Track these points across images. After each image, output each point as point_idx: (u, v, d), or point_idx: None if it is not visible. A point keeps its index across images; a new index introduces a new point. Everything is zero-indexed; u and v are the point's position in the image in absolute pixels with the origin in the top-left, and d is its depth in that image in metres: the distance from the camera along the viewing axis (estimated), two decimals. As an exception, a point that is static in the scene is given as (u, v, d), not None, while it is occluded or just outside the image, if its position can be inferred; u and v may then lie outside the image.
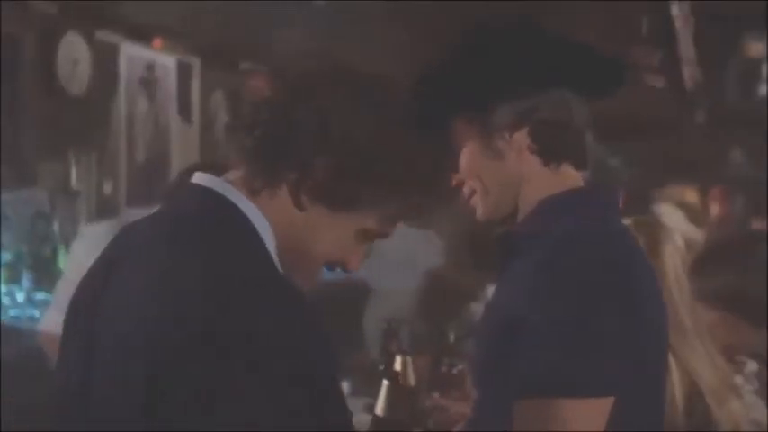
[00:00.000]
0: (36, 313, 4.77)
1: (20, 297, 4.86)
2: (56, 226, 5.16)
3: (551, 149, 1.67)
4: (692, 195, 8.35)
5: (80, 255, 3.44)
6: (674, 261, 1.91)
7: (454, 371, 3.29)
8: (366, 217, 1.45)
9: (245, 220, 1.41)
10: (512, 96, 1.64)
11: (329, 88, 1.43)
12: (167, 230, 1.42)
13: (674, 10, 6.77)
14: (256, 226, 1.41)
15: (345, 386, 3.04)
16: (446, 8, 4.74)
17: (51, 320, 3.38)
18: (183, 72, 6.40)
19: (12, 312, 4.75)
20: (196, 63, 6.51)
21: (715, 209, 10.00)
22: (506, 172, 1.69)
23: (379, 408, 1.83)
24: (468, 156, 1.71)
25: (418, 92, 1.66)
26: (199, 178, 1.45)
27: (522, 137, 1.67)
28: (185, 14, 5.92)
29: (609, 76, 1.73)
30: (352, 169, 1.41)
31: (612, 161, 9.26)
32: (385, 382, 1.85)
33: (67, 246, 5.14)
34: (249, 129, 1.43)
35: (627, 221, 1.83)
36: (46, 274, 5.01)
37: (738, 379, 2.19)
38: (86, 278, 1.50)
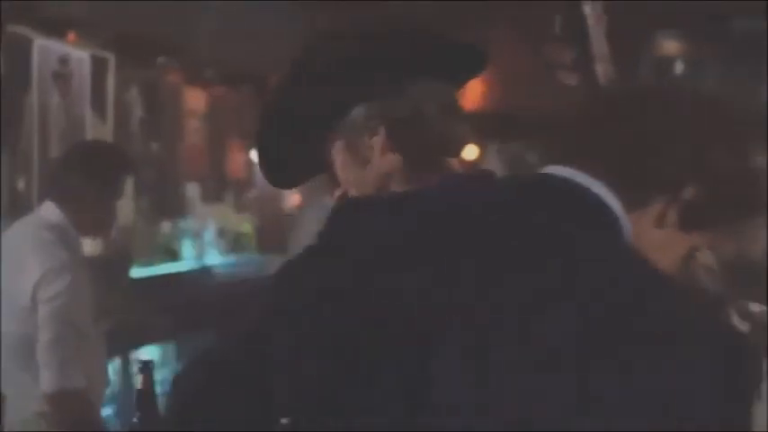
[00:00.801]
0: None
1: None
2: (-33, 223, 5.07)
3: (411, 145, 1.62)
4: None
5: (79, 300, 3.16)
6: None
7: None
8: (708, 237, 1.46)
9: (620, 227, 1.40)
10: (364, 98, 1.61)
11: (696, 118, 1.44)
12: (546, 226, 1.36)
13: (587, 9, 6.86)
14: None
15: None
16: (358, 7, 4.75)
17: (72, 378, 3.08)
18: (98, 67, 6.33)
19: None
20: (111, 58, 6.44)
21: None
22: (375, 176, 1.62)
23: None
24: (341, 167, 1.65)
25: (286, 97, 1.64)
26: (567, 173, 1.43)
27: (380, 138, 1.61)
28: (99, 9, 5.85)
29: (465, 63, 1.71)
30: (723, 196, 1.42)
31: (530, 157, 9.37)
32: None
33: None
34: (624, 153, 1.43)
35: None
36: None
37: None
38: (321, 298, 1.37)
